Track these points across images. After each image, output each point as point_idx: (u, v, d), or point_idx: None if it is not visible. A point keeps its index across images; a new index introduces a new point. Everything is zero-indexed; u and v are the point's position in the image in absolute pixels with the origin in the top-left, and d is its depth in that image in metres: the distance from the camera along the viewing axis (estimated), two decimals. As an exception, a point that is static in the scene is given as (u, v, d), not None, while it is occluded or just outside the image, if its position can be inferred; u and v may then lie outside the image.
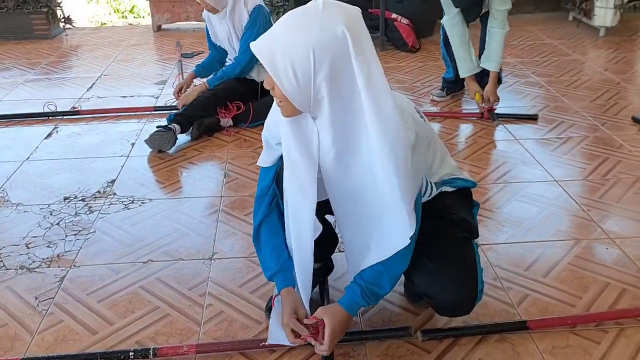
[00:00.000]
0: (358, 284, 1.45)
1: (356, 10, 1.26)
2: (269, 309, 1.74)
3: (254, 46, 1.26)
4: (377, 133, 1.26)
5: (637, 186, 2.44)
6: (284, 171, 1.44)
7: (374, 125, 1.26)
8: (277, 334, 1.52)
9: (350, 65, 1.23)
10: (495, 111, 3.16)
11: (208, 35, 3.23)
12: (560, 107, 3.31)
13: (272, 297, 1.65)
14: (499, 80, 3.29)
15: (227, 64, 3.26)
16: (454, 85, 3.46)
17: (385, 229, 1.40)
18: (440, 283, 1.49)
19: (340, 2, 1.26)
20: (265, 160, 1.55)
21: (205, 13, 3.12)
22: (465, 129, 3.08)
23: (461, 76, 3.23)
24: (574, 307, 1.77)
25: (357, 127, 1.30)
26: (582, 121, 3.11)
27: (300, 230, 1.45)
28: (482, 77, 3.21)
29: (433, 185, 1.54)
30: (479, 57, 3.22)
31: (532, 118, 3.16)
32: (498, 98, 3.26)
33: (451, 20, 3.12)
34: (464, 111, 3.32)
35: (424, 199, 1.51)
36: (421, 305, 1.76)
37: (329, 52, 1.21)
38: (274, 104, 1.41)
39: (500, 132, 3.02)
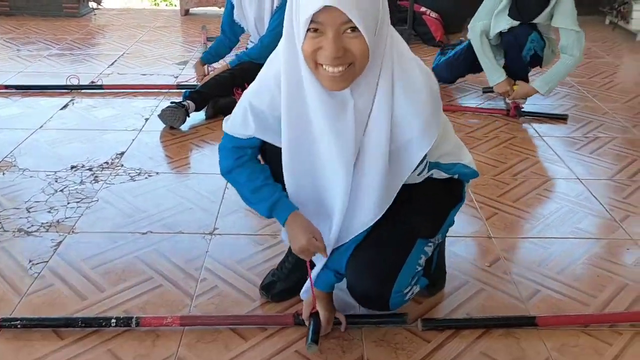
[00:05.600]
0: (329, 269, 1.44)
1: None
2: (264, 287, 1.67)
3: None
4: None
5: (665, 189, 2.31)
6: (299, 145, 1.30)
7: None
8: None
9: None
10: (523, 109, 3.04)
11: (228, 12, 3.07)
12: (590, 107, 3.17)
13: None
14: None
15: (248, 46, 3.20)
16: None
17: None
18: (356, 268, 1.38)
19: None
20: (240, 131, 1.41)
21: None
22: (488, 124, 2.96)
23: (495, 83, 3.04)
24: (587, 306, 1.66)
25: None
26: (612, 122, 2.97)
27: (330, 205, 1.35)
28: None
29: (427, 164, 1.36)
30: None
31: (561, 118, 3.00)
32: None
33: (484, 27, 2.97)
34: (489, 107, 3.20)
35: (412, 180, 1.36)
36: (423, 293, 1.67)
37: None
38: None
39: (525, 129, 2.90)
